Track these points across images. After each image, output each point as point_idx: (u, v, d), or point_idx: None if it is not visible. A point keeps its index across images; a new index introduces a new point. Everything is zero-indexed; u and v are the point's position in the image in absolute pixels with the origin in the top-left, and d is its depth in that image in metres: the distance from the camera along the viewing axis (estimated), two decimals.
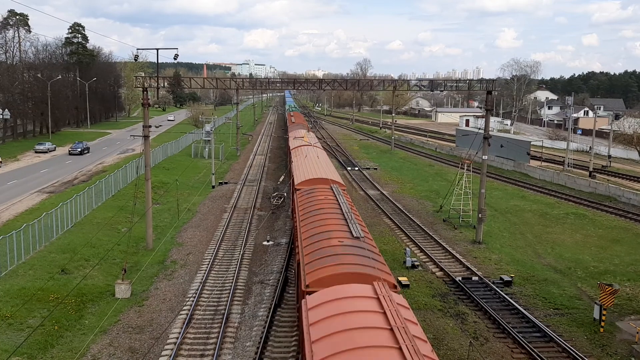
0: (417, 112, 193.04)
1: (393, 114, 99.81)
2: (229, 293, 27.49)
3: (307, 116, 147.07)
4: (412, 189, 57.03)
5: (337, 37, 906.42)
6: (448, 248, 35.62)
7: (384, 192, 54.32)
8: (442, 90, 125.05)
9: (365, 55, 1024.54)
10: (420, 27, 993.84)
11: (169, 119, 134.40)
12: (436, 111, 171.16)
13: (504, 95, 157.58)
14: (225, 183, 58.80)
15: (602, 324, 24.48)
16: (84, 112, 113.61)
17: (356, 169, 69.38)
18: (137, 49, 63.51)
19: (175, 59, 33.55)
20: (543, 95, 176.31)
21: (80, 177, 56.29)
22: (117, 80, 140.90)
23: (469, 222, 41.81)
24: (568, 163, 65.60)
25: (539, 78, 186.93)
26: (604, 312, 24.68)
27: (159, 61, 35.49)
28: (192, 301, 26.41)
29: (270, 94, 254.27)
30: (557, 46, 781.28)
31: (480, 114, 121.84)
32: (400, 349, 11.87)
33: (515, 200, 51.40)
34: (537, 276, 31.24)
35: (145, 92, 35.12)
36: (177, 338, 22.81)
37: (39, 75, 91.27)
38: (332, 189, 29.67)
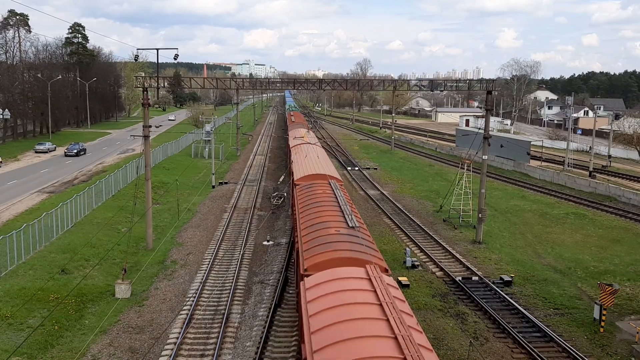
0: (417, 112, 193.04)
1: (393, 114, 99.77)
2: (229, 293, 27.51)
3: (307, 116, 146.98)
4: (412, 189, 57.04)
5: (337, 37, 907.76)
6: (448, 248, 35.63)
7: (384, 192, 54.33)
8: (442, 90, 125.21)
9: (365, 55, 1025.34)
10: (420, 27, 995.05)
11: (170, 118, 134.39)
12: (436, 111, 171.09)
13: (504, 95, 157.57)
14: (226, 183, 58.81)
15: (602, 323, 24.48)
16: (84, 112, 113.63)
17: (356, 169, 69.42)
18: (137, 49, 63.81)
19: (175, 59, 33.61)
20: (543, 95, 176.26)
21: (80, 177, 56.30)
22: (117, 80, 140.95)
23: (469, 222, 41.81)
24: (568, 163, 65.60)
25: (539, 78, 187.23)
26: (604, 312, 24.68)
27: (159, 61, 35.59)
28: (192, 301, 26.42)
29: (270, 94, 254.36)
30: (557, 46, 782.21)
31: (480, 114, 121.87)
32: (388, 320, 12.97)
33: (515, 200, 51.41)
34: (537, 276, 31.25)
35: (145, 92, 35.13)
36: (177, 338, 22.81)
37: (39, 75, 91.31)
38: (330, 184, 30.40)
